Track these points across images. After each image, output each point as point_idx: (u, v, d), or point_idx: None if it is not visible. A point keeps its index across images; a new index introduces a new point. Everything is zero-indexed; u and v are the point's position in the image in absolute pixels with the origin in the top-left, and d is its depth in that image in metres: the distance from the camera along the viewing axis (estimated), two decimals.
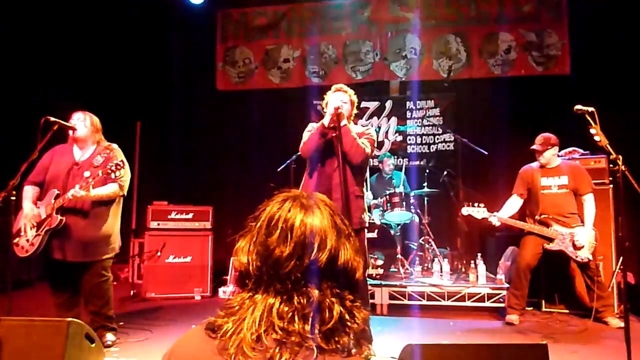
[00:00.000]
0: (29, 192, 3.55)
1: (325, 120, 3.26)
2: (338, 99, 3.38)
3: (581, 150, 4.93)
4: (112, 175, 3.37)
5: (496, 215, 4.36)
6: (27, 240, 3.41)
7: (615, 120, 3.74)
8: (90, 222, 3.48)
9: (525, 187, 4.54)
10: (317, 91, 6.78)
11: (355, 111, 3.54)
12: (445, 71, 6.57)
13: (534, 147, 4.44)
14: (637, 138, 5.04)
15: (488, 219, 4.37)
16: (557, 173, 4.43)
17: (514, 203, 4.56)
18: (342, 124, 3.22)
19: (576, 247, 4.22)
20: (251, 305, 0.92)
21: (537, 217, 4.39)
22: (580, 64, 6.15)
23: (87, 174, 3.42)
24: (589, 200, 4.32)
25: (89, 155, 3.60)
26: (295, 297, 0.91)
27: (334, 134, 3.23)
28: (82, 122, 3.62)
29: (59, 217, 3.37)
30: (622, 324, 3.70)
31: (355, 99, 3.51)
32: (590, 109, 3.09)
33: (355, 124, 3.63)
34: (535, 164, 4.54)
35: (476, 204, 4.40)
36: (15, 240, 3.43)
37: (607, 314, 4.20)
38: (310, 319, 0.89)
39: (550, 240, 4.29)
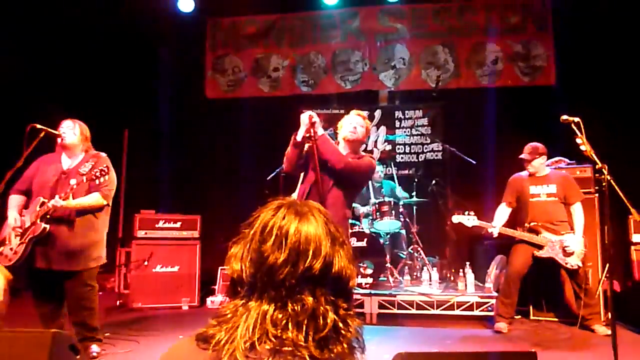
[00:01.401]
0: (14, 200, 3.50)
1: (300, 132, 3.18)
2: (355, 121, 3.36)
3: (567, 160, 4.99)
4: (97, 182, 3.35)
5: (496, 226, 4.39)
6: (11, 249, 3.34)
7: (600, 130, 3.80)
8: (75, 231, 3.42)
9: (514, 195, 4.57)
10: (307, 100, 6.80)
11: (367, 139, 3.53)
12: (433, 81, 6.64)
13: (522, 156, 4.49)
14: (621, 147, 5.13)
15: (488, 230, 4.40)
16: (546, 181, 4.47)
17: (503, 212, 4.60)
18: (319, 133, 3.15)
19: (566, 254, 4.25)
20: (245, 313, 0.91)
21: (526, 224, 4.42)
22: (565, 75, 6.25)
23: (73, 181, 3.35)
24: (577, 209, 4.37)
25: (77, 163, 3.55)
26: (290, 304, 0.90)
27: (309, 144, 3.16)
28: (72, 130, 3.57)
29: (43, 225, 3.30)
30: (609, 332, 3.75)
31: (370, 126, 3.54)
32: (576, 119, 3.14)
33: None
34: (524, 173, 4.58)
35: (466, 212, 4.42)
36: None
37: (594, 321, 4.23)
38: (304, 327, 0.89)
39: (540, 247, 4.31)
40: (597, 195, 4.69)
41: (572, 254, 4.23)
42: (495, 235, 4.39)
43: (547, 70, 6.40)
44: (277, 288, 0.91)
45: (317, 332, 0.89)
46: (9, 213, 3.44)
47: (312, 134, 3.13)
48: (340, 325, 0.92)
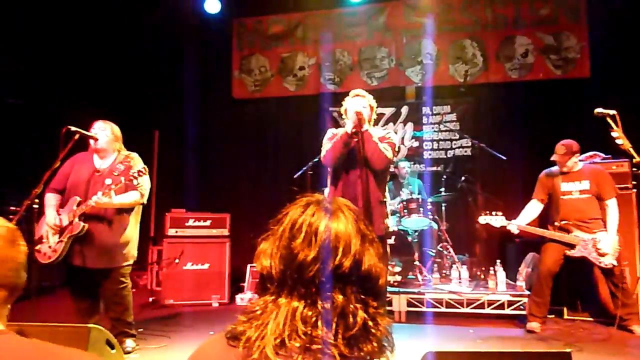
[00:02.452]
0: (51, 199, 3.60)
1: (348, 127, 3.20)
2: (358, 103, 3.34)
3: (602, 155, 4.84)
4: (135, 182, 3.45)
5: (514, 223, 4.30)
6: (50, 247, 3.46)
7: (637, 123, 3.67)
8: (111, 229, 3.52)
9: (545, 192, 4.45)
10: (333, 98, 6.79)
11: (374, 116, 3.50)
12: (461, 76, 6.53)
13: (554, 158, 4.33)
14: None
15: (507, 227, 4.31)
16: (578, 178, 4.30)
17: (533, 208, 4.48)
18: (363, 128, 3.18)
19: (600, 253, 4.10)
20: (275, 309, 0.91)
21: (557, 223, 4.30)
22: (600, 67, 6.05)
23: (108, 181, 3.46)
24: (612, 205, 4.20)
25: (110, 164, 3.64)
26: (319, 302, 0.90)
27: (355, 140, 3.19)
28: (104, 132, 3.66)
29: (82, 223, 3.41)
30: None
31: (374, 103, 3.49)
32: (612, 111, 3.04)
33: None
34: (555, 169, 4.45)
35: (494, 213, 4.34)
36: (36, 247, 3.48)
37: (632, 322, 4.09)
38: (333, 325, 0.89)
39: (572, 246, 4.19)
40: (634, 190, 4.53)
41: (606, 253, 4.08)
42: (514, 232, 4.30)
43: (580, 62, 6.20)
44: (307, 285, 0.91)
45: (346, 331, 0.89)
46: (48, 211, 3.55)
47: (359, 130, 3.15)
48: (370, 323, 0.92)
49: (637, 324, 4.09)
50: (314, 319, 0.89)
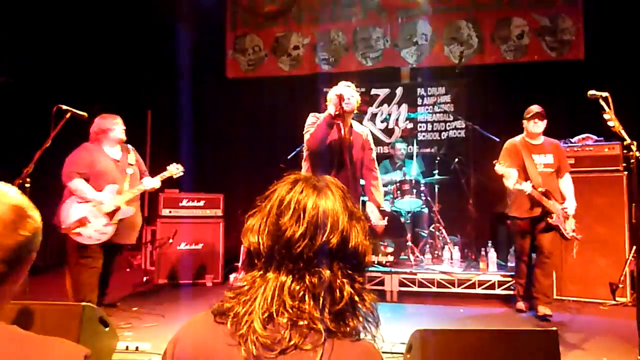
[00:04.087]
0: (87, 185, 3.80)
1: (331, 109, 3.27)
2: (342, 89, 3.39)
3: (595, 137, 4.86)
4: (145, 170, 4.30)
5: (530, 183, 3.99)
6: (96, 230, 3.74)
7: (630, 105, 3.67)
8: (138, 210, 4.11)
9: (516, 162, 4.18)
10: (327, 78, 6.73)
11: (356, 111, 3.55)
12: (456, 57, 6.48)
13: (539, 124, 4.18)
14: None
15: (521, 185, 3.94)
16: (543, 150, 4.24)
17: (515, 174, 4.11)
18: (346, 109, 3.31)
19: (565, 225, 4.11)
20: (263, 284, 0.93)
21: (540, 188, 4.03)
22: (594, 49, 6.03)
23: (130, 170, 3.99)
24: (569, 178, 4.24)
25: (121, 155, 4.05)
26: (307, 277, 0.92)
27: (338, 121, 3.31)
28: (121, 126, 4.02)
29: (132, 207, 3.93)
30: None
31: (359, 98, 3.54)
32: (605, 94, 3.04)
33: (365, 111, 3.71)
34: (518, 139, 4.33)
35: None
36: (76, 230, 3.67)
37: (540, 302, 4.09)
38: (321, 299, 0.90)
39: (550, 214, 4.03)
40: (625, 173, 4.56)
41: (572, 227, 4.14)
42: (527, 191, 3.93)
43: (575, 44, 6.17)
44: (294, 261, 0.92)
45: (333, 305, 0.91)
46: (97, 195, 3.78)
47: (341, 111, 3.23)
48: (356, 299, 0.94)
49: (542, 304, 4.06)
50: (301, 293, 0.90)
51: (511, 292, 4.59)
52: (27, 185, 3.16)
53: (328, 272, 0.92)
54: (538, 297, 4.10)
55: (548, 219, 4.04)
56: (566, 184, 4.22)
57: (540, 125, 4.20)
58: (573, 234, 4.13)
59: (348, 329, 0.91)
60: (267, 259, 0.95)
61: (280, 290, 0.91)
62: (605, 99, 3.03)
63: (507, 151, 4.32)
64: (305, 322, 0.88)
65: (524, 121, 4.30)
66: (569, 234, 4.11)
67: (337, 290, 0.92)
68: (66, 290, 3.82)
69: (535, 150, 4.24)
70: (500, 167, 4.00)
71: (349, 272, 0.95)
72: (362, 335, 0.94)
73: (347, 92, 3.37)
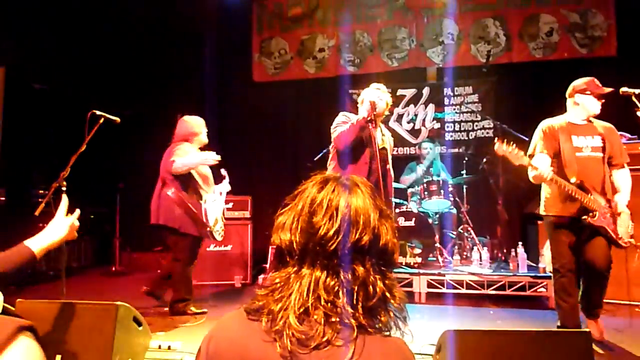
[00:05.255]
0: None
1: (364, 113, 3.44)
2: (375, 94, 3.58)
3: (628, 135, 4.72)
4: None
5: (552, 169, 3.24)
6: (222, 227, 4.26)
7: None
8: None
9: (553, 147, 3.38)
10: (352, 80, 6.76)
11: (387, 112, 3.79)
12: (483, 56, 6.40)
13: (600, 95, 3.32)
14: None
15: (538, 171, 3.19)
16: (589, 132, 3.36)
17: (545, 161, 3.35)
18: (377, 112, 3.52)
19: (617, 226, 3.21)
20: (298, 280, 0.95)
21: (574, 179, 3.20)
22: (627, 45, 5.86)
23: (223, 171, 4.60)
24: (626, 172, 3.38)
25: None
26: (342, 272, 0.94)
27: (370, 126, 3.44)
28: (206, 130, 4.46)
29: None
30: None
31: (390, 100, 3.76)
32: (637, 91, 2.97)
33: (391, 111, 3.85)
34: (558, 120, 3.49)
35: (513, 145, 3.30)
36: (215, 229, 4.13)
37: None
38: (354, 295, 0.92)
39: (591, 212, 3.17)
40: None
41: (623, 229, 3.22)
42: (546, 176, 3.16)
43: (607, 41, 6.02)
44: (328, 257, 0.95)
45: (366, 300, 0.93)
46: (202, 154, 4.12)
47: (373, 118, 3.42)
48: (388, 295, 0.96)
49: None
50: (336, 288, 0.93)
51: (543, 294, 4.49)
52: (64, 188, 3.28)
53: (362, 268, 0.94)
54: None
55: (589, 218, 3.17)
56: (622, 177, 3.34)
57: (599, 107, 3.35)
58: (631, 240, 3.24)
59: (380, 324, 0.93)
60: (301, 256, 0.97)
61: (315, 285, 0.93)
62: (638, 96, 2.95)
63: (543, 133, 3.44)
64: (338, 318, 0.90)
65: (577, 95, 3.40)
66: (624, 241, 3.21)
67: (370, 286, 0.94)
68: (101, 292, 3.95)
69: (579, 131, 3.35)
70: (501, 147, 3.25)
71: (382, 268, 0.97)
72: (392, 332, 0.95)
73: (378, 95, 3.56)
